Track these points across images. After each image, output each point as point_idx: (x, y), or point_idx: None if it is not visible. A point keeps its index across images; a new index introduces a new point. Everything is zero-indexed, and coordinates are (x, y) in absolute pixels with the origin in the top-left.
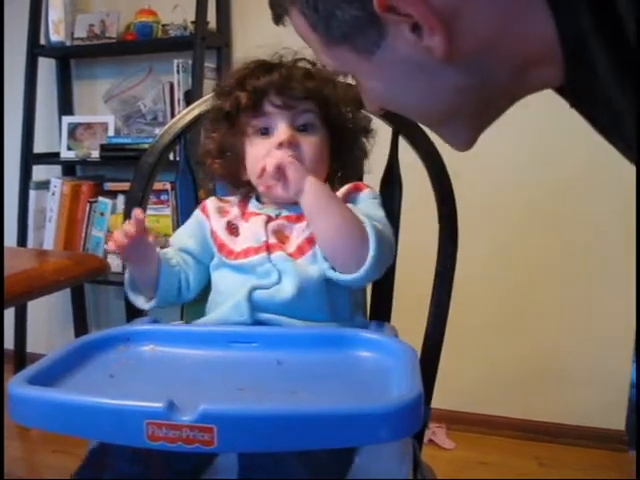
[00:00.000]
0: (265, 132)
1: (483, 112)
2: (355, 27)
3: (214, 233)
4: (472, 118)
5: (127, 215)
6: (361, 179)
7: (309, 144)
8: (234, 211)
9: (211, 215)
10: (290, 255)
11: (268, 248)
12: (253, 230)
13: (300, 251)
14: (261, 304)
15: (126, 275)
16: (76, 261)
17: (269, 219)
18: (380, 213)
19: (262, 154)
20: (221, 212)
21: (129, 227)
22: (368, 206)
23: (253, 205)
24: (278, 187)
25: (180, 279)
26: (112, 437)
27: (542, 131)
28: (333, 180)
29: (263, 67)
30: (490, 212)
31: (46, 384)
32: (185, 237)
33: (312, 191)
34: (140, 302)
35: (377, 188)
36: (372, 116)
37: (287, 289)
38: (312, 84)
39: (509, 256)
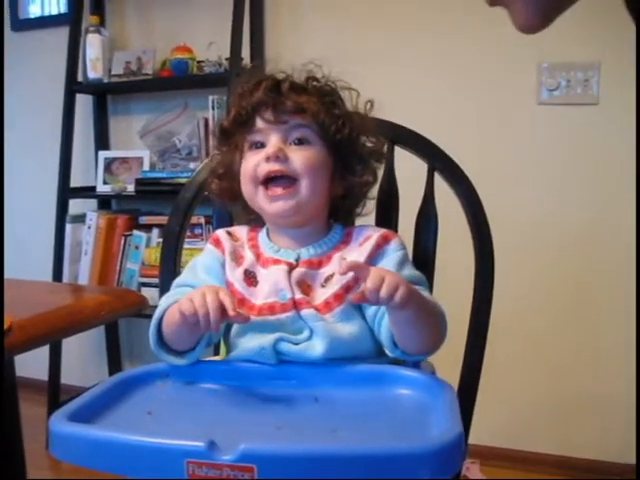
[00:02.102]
0: (260, 146)
1: None
2: None
3: (231, 285)
4: None
5: (165, 248)
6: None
7: (300, 156)
8: (248, 256)
9: (227, 259)
10: (317, 309)
11: (295, 305)
12: (274, 282)
13: (327, 307)
14: (289, 356)
15: (152, 329)
16: (115, 296)
17: (290, 268)
18: (417, 272)
19: (251, 166)
20: (236, 258)
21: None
22: (404, 264)
23: (267, 245)
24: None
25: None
26: (152, 475)
27: (576, 168)
28: (339, 206)
29: (256, 81)
30: (524, 246)
31: (86, 420)
32: (208, 279)
33: (414, 306)
34: (169, 359)
35: (412, 224)
36: (408, 151)
37: (317, 348)
38: (304, 98)
39: (543, 291)
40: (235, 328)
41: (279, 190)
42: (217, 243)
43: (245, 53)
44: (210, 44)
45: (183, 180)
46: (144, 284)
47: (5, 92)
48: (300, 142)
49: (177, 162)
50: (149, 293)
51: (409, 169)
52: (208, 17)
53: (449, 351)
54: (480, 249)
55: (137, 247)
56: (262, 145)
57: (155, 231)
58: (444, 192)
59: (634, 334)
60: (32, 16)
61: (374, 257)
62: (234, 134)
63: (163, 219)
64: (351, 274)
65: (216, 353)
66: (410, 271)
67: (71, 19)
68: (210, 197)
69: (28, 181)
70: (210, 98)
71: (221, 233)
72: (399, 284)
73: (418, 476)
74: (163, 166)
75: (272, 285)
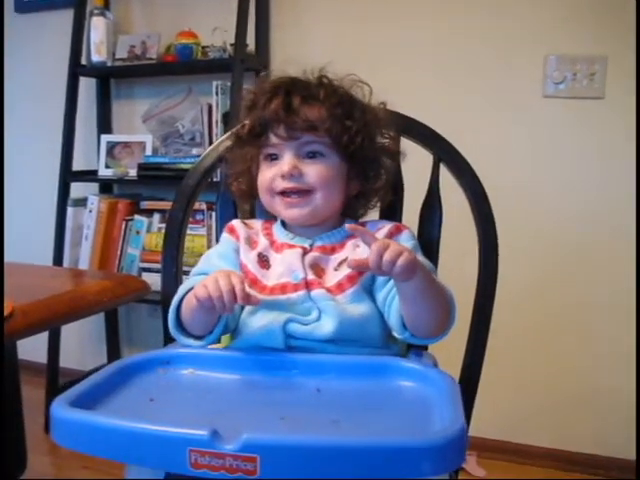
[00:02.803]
0: (275, 158)
1: None
2: None
3: (245, 267)
4: None
5: (168, 234)
6: (389, 203)
7: (314, 171)
8: (262, 241)
9: (241, 244)
10: (329, 291)
11: (307, 285)
12: (288, 264)
13: (340, 288)
14: (296, 336)
15: (171, 315)
16: (118, 282)
17: (304, 251)
18: (427, 261)
19: (267, 179)
20: (250, 242)
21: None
22: (415, 252)
23: (281, 233)
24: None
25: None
26: (155, 463)
27: (579, 161)
28: (352, 204)
29: (268, 93)
30: (525, 239)
31: (88, 406)
32: (222, 264)
33: (420, 278)
34: (188, 342)
35: (415, 214)
36: (413, 142)
37: (326, 327)
38: (315, 113)
39: (545, 284)
40: (246, 308)
41: (295, 199)
42: (231, 231)
43: (250, 39)
44: (215, 29)
45: (185, 166)
46: (144, 269)
47: (8, 74)
48: (313, 155)
49: (180, 147)
50: (149, 278)
51: (413, 159)
52: (213, 2)
53: (451, 340)
54: (484, 241)
55: (138, 232)
56: (277, 157)
57: (156, 216)
58: (447, 182)
59: (634, 329)
60: None
61: None
62: (248, 143)
63: (165, 204)
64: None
65: (217, 341)
66: (421, 259)
67: (76, 1)
68: (212, 184)
69: (30, 163)
70: (214, 84)
71: (236, 222)
72: (403, 251)
73: (420, 469)
74: (166, 151)
75: (286, 266)
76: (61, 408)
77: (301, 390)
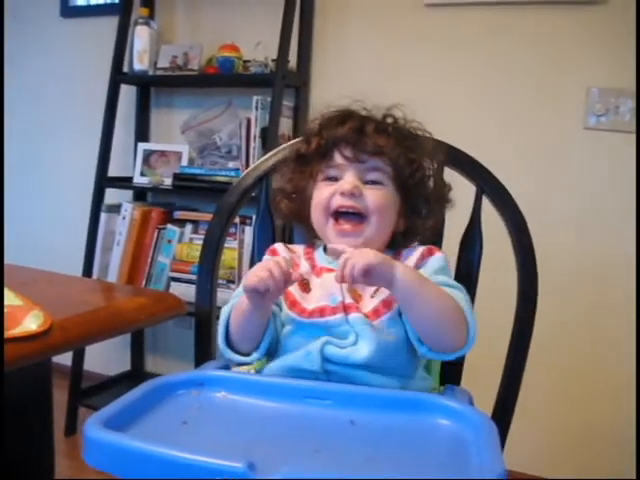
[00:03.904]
0: (334, 179)
1: None
2: None
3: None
4: None
5: (205, 248)
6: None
7: (373, 195)
8: (304, 265)
9: None
10: (366, 316)
11: (345, 309)
12: (327, 287)
13: (376, 313)
14: (333, 359)
15: (220, 329)
16: (154, 299)
17: None
18: (453, 281)
19: (325, 197)
20: (292, 265)
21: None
22: (442, 271)
23: (322, 258)
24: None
25: (277, 327)
26: None
27: (617, 195)
28: (397, 240)
29: (341, 116)
30: (565, 271)
31: (121, 427)
32: None
33: (403, 280)
34: (236, 358)
35: (455, 239)
36: (457, 173)
37: (362, 352)
38: (384, 141)
39: (582, 319)
40: (285, 330)
41: (348, 227)
42: (274, 253)
43: (291, 55)
44: (257, 44)
45: (221, 178)
46: (174, 279)
47: (50, 77)
48: (374, 183)
49: (216, 160)
50: (179, 288)
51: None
52: (257, 17)
53: (482, 375)
54: (523, 273)
55: (169, 241)
56: (337, 179)
57: (189, 226)
58: (485, 211)
59: None
60: (82, 4)
61: (418, 267)
62: (310, 162)
63: (198, 215)
64: None
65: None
66: (446, 279)
67: (121, 9)
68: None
69: (67, 166)
70: (254, 98)
71: (279, 245)
72: (358, 261)
73: None
74: (202, 162)
75: (325, 290)
76: (95, 429)
77: (335, 421)
